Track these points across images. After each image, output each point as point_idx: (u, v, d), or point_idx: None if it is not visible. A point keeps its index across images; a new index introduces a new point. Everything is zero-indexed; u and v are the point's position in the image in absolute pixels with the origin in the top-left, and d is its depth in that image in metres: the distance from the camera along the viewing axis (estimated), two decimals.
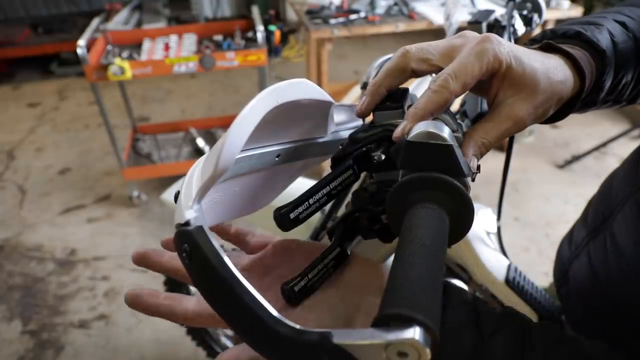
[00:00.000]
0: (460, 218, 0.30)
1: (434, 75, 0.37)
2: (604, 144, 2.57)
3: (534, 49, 0.41)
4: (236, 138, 0.27)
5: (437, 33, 2.37)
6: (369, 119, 0.39)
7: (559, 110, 0.41)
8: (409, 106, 0.36)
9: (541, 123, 0.41)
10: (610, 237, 0.56)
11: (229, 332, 1.51)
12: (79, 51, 1.90)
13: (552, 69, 0.37)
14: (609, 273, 0.55)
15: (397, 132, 0.34)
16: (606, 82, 0.43)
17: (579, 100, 0.41)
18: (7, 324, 1.83)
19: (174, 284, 1.38)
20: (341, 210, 0.88)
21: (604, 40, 0.43)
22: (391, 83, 0.38)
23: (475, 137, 0.36)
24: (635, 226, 0.51)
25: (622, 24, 0.46)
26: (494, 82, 0.37)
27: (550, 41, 0.42)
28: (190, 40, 2.22)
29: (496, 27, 0.62)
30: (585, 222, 0.66)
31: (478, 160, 0.36)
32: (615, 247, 0.54)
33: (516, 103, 0.36)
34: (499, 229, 0.79)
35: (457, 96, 0.35)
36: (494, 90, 0.37)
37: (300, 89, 0.32)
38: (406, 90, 0.39)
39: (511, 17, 0.62)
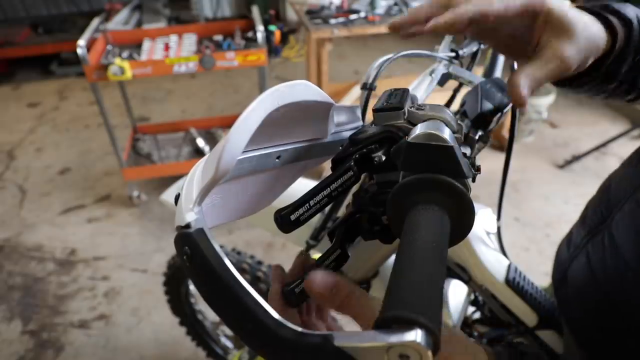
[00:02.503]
0: (461, 219, 0.30)
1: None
2: (604, 144, 2.57)
3: None
4: (237, 140, 0.27)
5: (437, 33, 2.37)
6: (369, 120, 0.39)
7: (589, 69, 0.43)
8: (410, 107, 0.36)
9: (571, 88, 0.44)
10: (609, 236, 0.56)
11: (229, 332, 1.51)
12: (79, 51, 1.90)
13: (589, 22, 0.40)
14: (607, 272, 0.55)
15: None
16: (629, 55, 0.46)
17: (611, 57, 0.43)
18: (7, 324, 1.83)
19: (173, 284, 1.38)
20: (341, 211, 0.88)
21: (630, 12, 0.46)
22: (432, 11, 0.41)
23: (527, 71, 0.38)
24: (634, 225, 0.52)
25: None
26: (536, 27, 0.40)
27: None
28: (190, 40, 2.22)
29: None
30: (584, 223, 0.66)
31: (529, 92, 0.38)
32: (613, 246, 0.55)
33: (560, 44, 0.39)
34: (499, 229, 0.79)
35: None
36: (536, 35, 0.40)
37: (300, 90, 0.32)
38: (406, 90, 0.39)
39: None
